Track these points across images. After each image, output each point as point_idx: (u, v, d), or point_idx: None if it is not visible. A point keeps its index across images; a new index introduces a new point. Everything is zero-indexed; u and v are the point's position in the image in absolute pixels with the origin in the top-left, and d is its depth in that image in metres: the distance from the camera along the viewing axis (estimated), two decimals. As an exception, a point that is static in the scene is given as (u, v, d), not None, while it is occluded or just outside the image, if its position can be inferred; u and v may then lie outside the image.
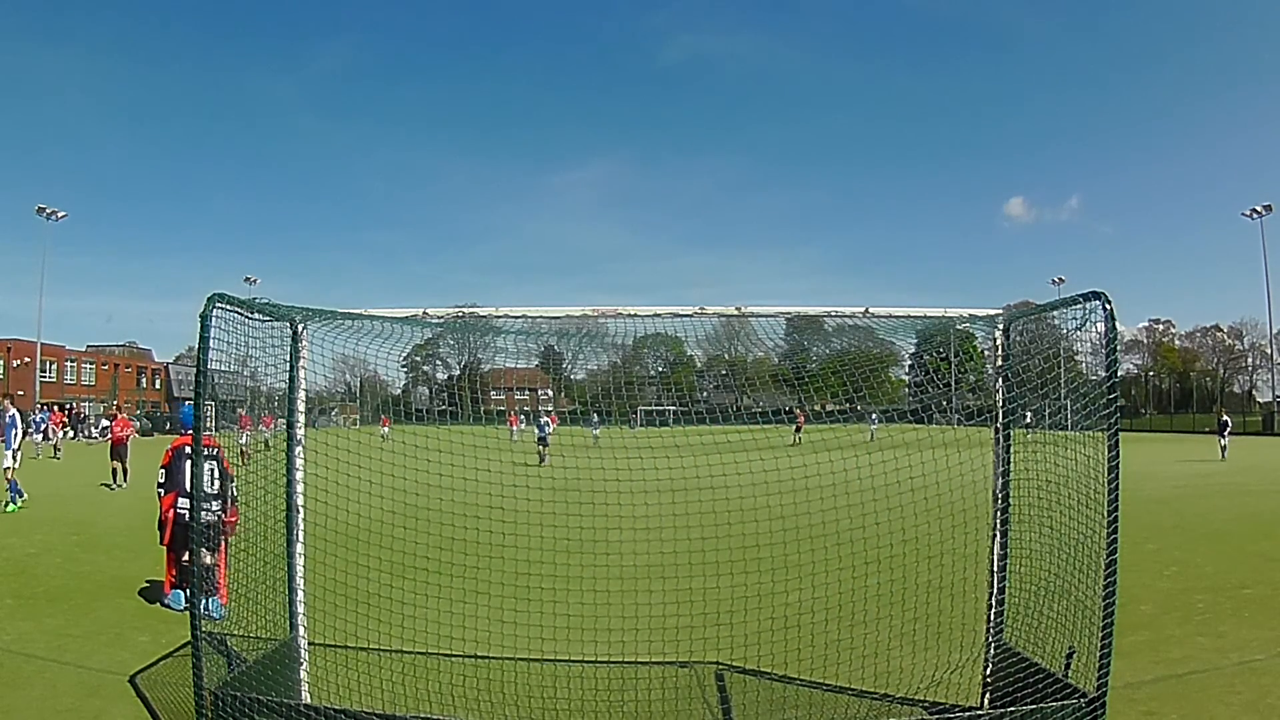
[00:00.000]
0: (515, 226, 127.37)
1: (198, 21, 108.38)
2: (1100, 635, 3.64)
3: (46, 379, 57.71)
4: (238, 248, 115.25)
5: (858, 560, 5.08)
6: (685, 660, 5.06)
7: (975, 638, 4.64)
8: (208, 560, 5.66)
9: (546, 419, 23.54)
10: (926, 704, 4.53)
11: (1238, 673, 4.97)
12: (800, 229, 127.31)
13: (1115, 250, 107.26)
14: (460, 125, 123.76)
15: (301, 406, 4.46)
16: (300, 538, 4.40)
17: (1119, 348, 3.78)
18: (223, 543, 6.25)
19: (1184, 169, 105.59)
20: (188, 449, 6.84)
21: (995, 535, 4.39)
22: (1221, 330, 77.49)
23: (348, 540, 4.92)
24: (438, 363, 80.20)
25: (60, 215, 53.64)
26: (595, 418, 17.67)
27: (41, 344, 55.49)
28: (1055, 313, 4.10)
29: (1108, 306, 3.68)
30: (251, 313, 4.10)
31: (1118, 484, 3.64)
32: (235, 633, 4.25)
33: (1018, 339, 4.53)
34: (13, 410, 12.99)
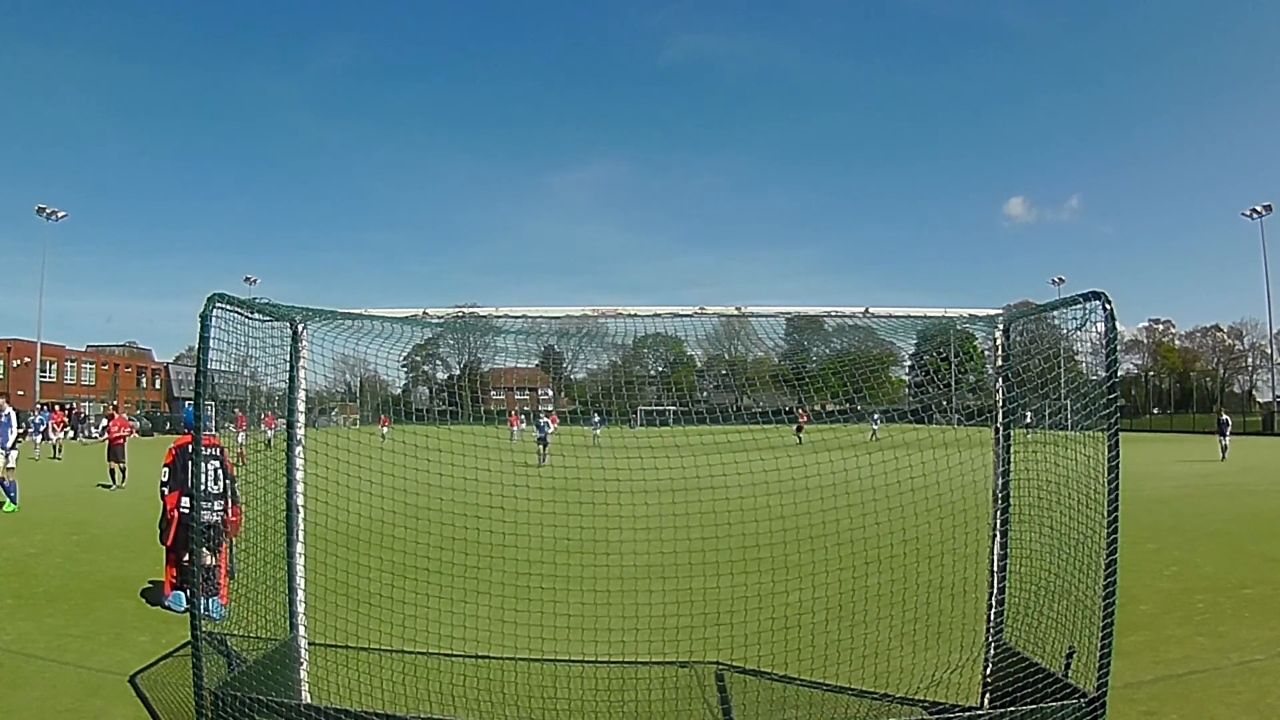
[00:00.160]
0: (515, 226, 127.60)
1: (197, 21, 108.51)
2: (1100, 635, 3.64)
3: (46, 379, 57.71)
4: (238, 248, 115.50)
5: (858, 560, 5.08)
6: (685, 660, 5.06)
7: (975, 638, 4.64)
8: (208, 560, 5.67)
9: (547, 419, 23.56)
10: (926, 704, 4.53)
11: (1238, 673, 4.97)
12: (800, 229, 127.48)
13: (1115, 250, 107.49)
14: (460, 125, 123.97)
15: (301, 406, 4.46)
16: (300, 538, 4.40)
17: (1119, 348, 3.78)
18: (224, 543, 6.26)
19: (1184, 169, 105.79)
20: (192, 448, 6.84)
21: (995, 535, 4.39)
22: (1221, 330, 77.54)
23: (348, 540, 4.92)
24: (438, 363, 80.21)
25: (60, 215, 53.68)
26: (596, 417, 17.68)
27: (41, 344, 55.49)
28: (1055, 313, 4.10)
29: (1108, 306, 3.68)
30: (251, 313, 4.10)
31: (1118, 484, 3.64)
32: (235, 633, 4.25)
33: (1018, 339, 4.53)
34: (9, 410, 12.95)
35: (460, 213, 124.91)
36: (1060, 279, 60.74)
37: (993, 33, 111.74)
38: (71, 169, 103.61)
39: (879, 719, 4.39)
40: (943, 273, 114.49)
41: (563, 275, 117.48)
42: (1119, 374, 3.81)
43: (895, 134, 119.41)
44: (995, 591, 4.39)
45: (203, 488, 5.23)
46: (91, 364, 67.60)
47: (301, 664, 4.44)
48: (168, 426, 53.75)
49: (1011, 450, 4.40)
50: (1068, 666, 3.84)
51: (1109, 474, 3.66)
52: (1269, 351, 68.09)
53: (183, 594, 6.57)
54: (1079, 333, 3.90)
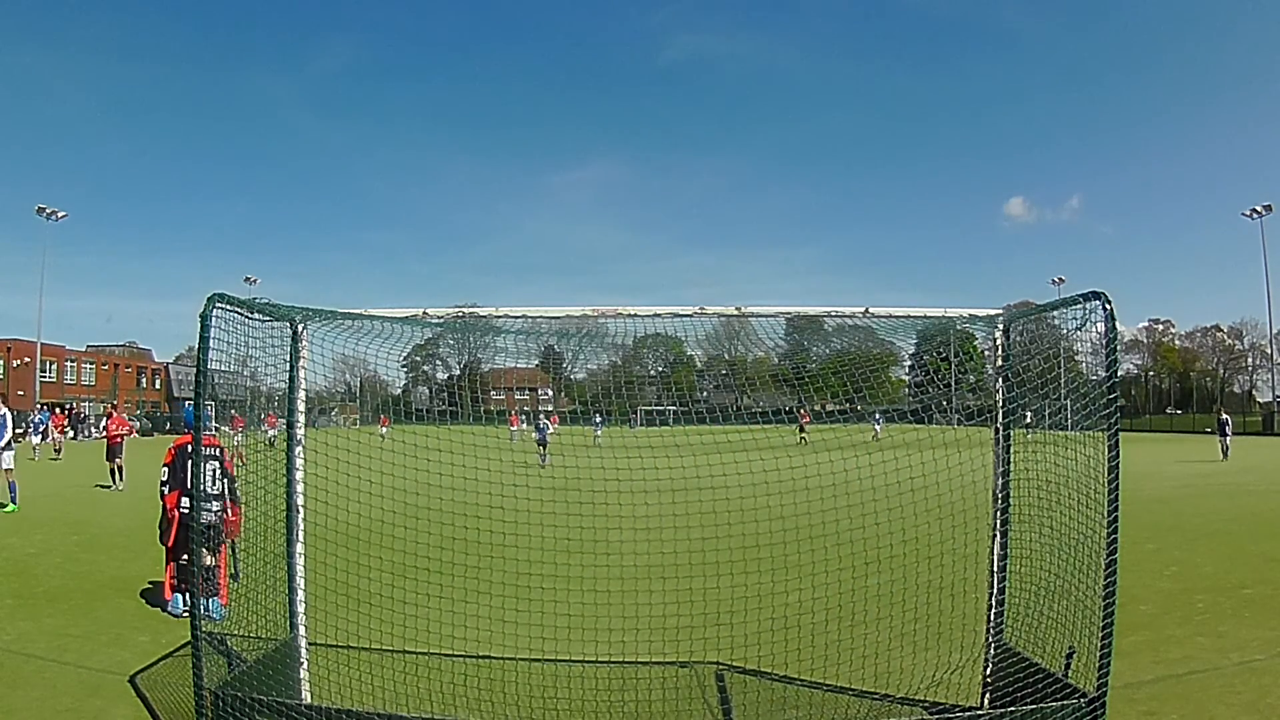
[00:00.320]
0: (515, 226, 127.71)
1: (197, 21, 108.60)
2: (1100, 635, 3.64)
3: (46, 379, 57.71)
4: (238, 248, 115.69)
5: (858, 560, 5.08)
6: (685, 660, 5.06)
7: (975, 638, 4.64)
8: (208, 561, 5.66)
9: (546, 420, 23.53)
10: (926, 704, 4.53)
11: (1238, 673, 4.97)
12: (800, 229, 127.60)
13: (1115, 250, 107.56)
14: (460, 125, 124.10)
15: (301, 406, 4.46)
16: (300, 538, 4.40)
17: (1119, 348, 3.78)
18: (223, 543, 6.26)
19: (1184, 169, 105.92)
20: (190, 448, 6.83)
21: (995, 535, 4.39)
22: (1221, 330, 77.56)
23: (348, 540, 4.92)
24: (438, 363, 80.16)
25: (60, 215, 53.69)
26: (598, 418, 17.66)
27: (41, 344, 55.49)
28: (1055, 313, 4.10)
29: (1108, 306, 3.68)
30: (251, 313, 4.10)
31: (1118, 484, 3.64)
32: (235, 633, 4.25)
33: (1018, 339, 4.53)
34: (3, 410, 12.92)
35: (460, 213, 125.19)
36: (1060, 279, 60.83)
37: (993, 33, 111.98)
38: (71, 169, 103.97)
39: (879, 719, 4.39)
40: (943, 273, 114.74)
41: (563, 275, 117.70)
42: (1119, 374, 3.80)
43: (895, 134, 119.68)
44: (995, 591, 4.39)
45: (201, 488, 5.22)
46: (91, 364, 67.60)
47: (301, 664, 4.44)
48: (168, 426, 53.77)
49: (1011, 450, 4.40)
50: (1068, 666, 3.84)
51: (1109, 474, 3.66)
52: (1269, 351, 68.14)
53: (181, 598, 6.56)
54: (1079, 333, 3.90)
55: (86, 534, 10.65)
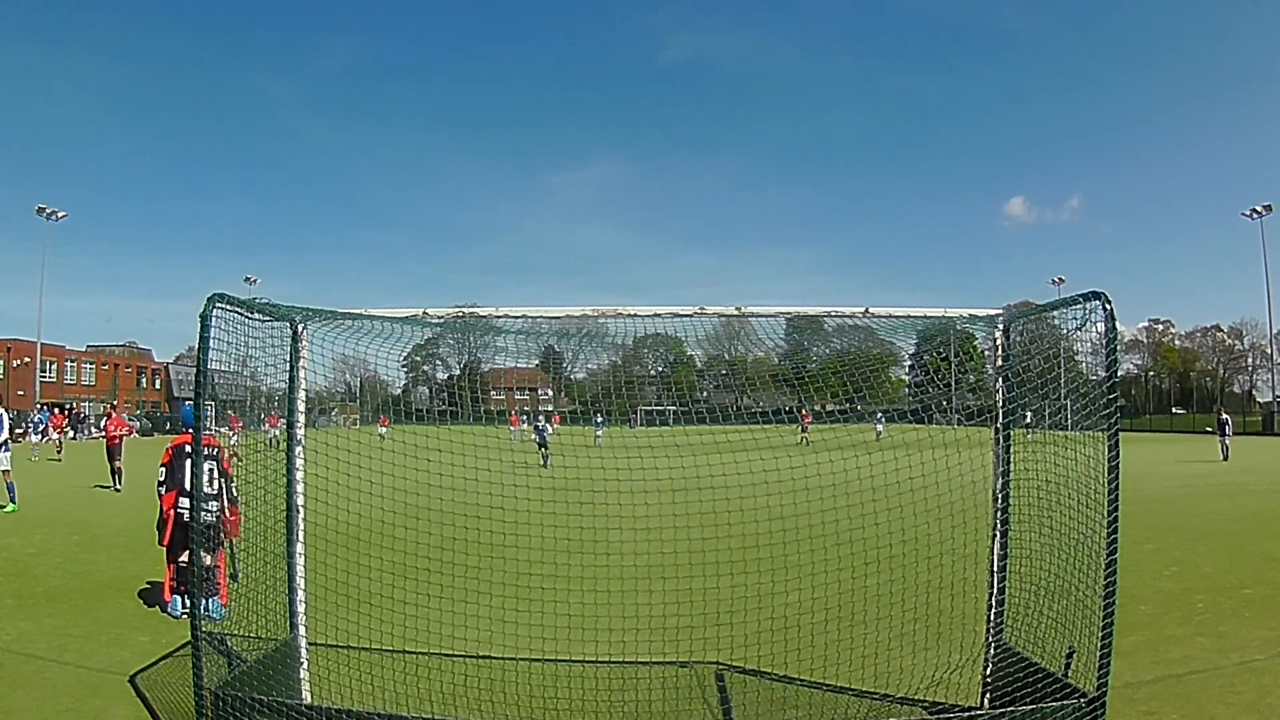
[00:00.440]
0: (515, 226, 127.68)
1: (197, 21, 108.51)
2: (1100, 635, 3.64)
3: (46, 379, 57.70)
4: (238, 248, 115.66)
5: (858, 560, 5.08)
6: (685, 660, 5.06)
7: (975, 638, 4.64)
8: (207, 561, 5.66)
9: (546, 422, 23.51)
10: (926, 704, 4.53)
11: (1238, 673, 4.97)
12: (800, 229, 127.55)
13: (1115, 250, 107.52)
14: (460, 125, 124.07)
15: (301, 406, 4.46)
16: (300, 538, 4.40)
17: (1119, 348, 3.78)
18: (222, 543, 6.25)
19: (1184, 169, 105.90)
20: (188, 447, 6.83)
21: (995, 535, 4.39)
22: (1221, 330, 77.55)
23: (348, 540, 4.92)
24: (438, 363, 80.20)
25: (60, 215, 53.68)
26: (599, 418, 17.64)
27: (41, 344, 55.47)
28: (1055, 313, 4.10)
29: (1108, 306, 3.68)
30: (251, 313, 4.10)
31: (1118, 484, 3.64)
32: (235, 633, 4.25)
33: (1018, 339, 4.53)
34: None
35: (460, 213, 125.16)
36: (1060, 279, 60.82)
37: (993, 33, 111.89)
38: (71, 169, 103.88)
39: (879, 719, 4.39)
40: (943, 273, 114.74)
41: (563, 275, 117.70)
42: (1119, 374, 3.80)
43: (895, 134, 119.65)
44: (995, 591, 4.39)
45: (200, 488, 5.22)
46: (91, 364, 67.59)
47: (301, 664, 4.44)
48: (168, 426, 53.74)
49: (1011, 450, 4.40)
50: (1068, 666, 3.84)
51: (1109, 474, 3.66)
52: (1269, 351, 68.13)
53: (180, 600, 6.56)
54: (1079, 333, 3.90)
55: (86, 534, 10.65)
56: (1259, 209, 54.56)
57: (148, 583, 7.45)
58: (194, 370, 4.02)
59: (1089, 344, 4.00)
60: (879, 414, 13.97)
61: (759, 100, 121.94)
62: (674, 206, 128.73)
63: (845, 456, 5.11)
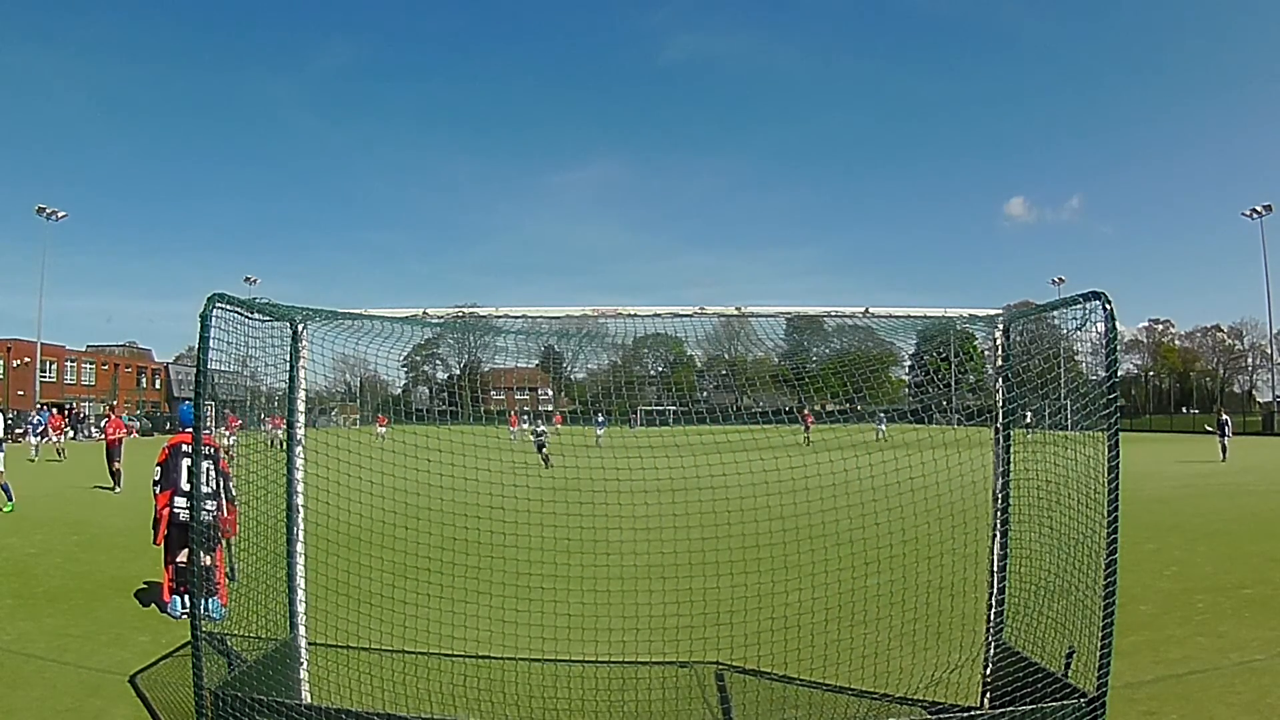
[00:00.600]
0: (515, 226, 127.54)
1: (197, 21, 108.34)
2: (1100, 635, 3.64)
3: (46, 379, 57.71)
4: (238, 248, 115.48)
5: (858, 560, 5.08)
6: (685, 660, 5.06)
7: (975, 638, 4.64)
8: (206, 561, 5.66)
9: (542, 424, 23.50)
10: (926, 704, 4.53)
11: (1238, 673, 4.97)
12: (800, 229, 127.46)
13: (1115, 250, 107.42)
14: (460, 125, 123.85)
15: (301, 406, 4.46)
16: (300, 538, 4.40)
17: (1119, 348, 3.78)
18: (219, 543, 6.25)
19: (1184, 169, 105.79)
20: (184, 447, 6.83)
21: (995, 535, 4.39)
22: (1221, 330, 77.51)
23: (348, 540, 4.92)
24: (438, 363, 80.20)
25: (60, 215, 53.69)
26: (600, 418, 17.63)
27: (41, 344, 55.49)
28: (1055, 313, 4.10)
29: (1108, 306, 3.68)
30: (251, 313, 4.10)
31: (1118, 484, 3.64)
32: (235, 633, 4.25)
33: (1018, 339, 4.53)
34: None
35: (460, 213, 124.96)
36: (1060, 279, 60.79)
37: (993, 33, 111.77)
38: (71, 169, 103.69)
39: (879, 719, 4.40)
40: (943, 273, 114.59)
41: (563, 275, 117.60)
42: (1119, 374, 3.80)
43: (895, 134, 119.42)
44: (995, 591, 4.39)
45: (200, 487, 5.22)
46: (91, 364, 67.59)
47: (301, 664, 4.44)
48: (168, 426, 53.76)
49: (1011, 450, 4.40)
50: (1068, 666, 3.84)
51: (1109, 474, 3.66)
52: (1269, 351, 68.12)
53: (179, 600, 6.56)
54: (1079, 333, 3.90)
55: (86, 534, 10.65)
56: (1259, 209, 54.59)
57: (144, 582, 7.46)
58: (194, 370, 4.02)
59: (1089, 344, 4.00)
60: (880, 415, 13.98)
61: (759, 100, 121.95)
62: (674, 206, 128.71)
63: (845, 456, 5.11)
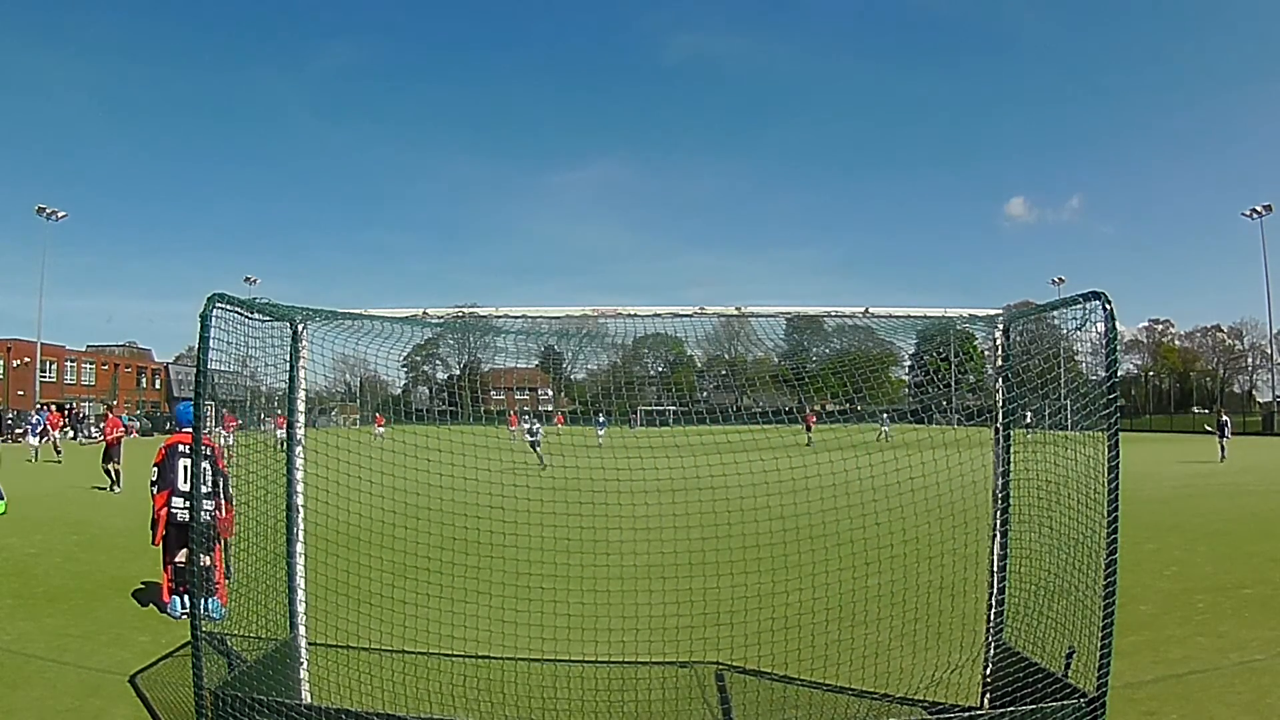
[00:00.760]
0: (515, 226, 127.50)
1: (198, 21, 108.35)
2: (1100, 635, 3.64)
3: (46, 379, 57.70)
4: (238, 248, 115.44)
5: (858, 560, 5.08)
6: (685, 660, 5.06)
7: (975, 638, 4.64)
8: (205, 561, 5.66)
9: (536, 423, 23.49)
10: (926, 704, 4.53)
11: (1238, 673, 4.97)
12: (800, 229, 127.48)
13: (1115, 250, 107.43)
14: (460, 125, 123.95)
15: (301, 406, 4.46)
16: (300, 538, 4.40)
17: (1119, 348, 3.78)
18: (218, 543, 6.24)
19: (1184, 169, 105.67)
20: (181, 447, 6.82)
21: (995, 535, 4.39)
22: (1221, 330, 77.54)
23: (348, 540, 4.92)
24: (438, 363, 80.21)
25: (60, 215, 53.64)
26: (601, 418, 17.62)
27: (41, 344, 55.46)
28: (1055, 313, 4.10)
29: (1108, 306, 3.68)
30: (251, 313, 4.10)
31: (1118, 484, 3.64)
32: (235, 633, 4.25)
33: (1018, 339, 4.53)
34: None
35: (460, 213, 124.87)
36: (1060, 279, 60.77)
37: (993, 33, 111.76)
38: (71, 169, 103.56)
39: (879, 719, 4.40)
40: (943, 273, 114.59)
41: (563, 275, 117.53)
42: (1119, 374, 3.80)
43: (896, 135, 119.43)
44: (995, 591, 4.39)
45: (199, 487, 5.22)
46: (91, 364, 67.60)
47: (301, 664, 4.44)
48: (168, 426, 53.72)
49: (1011, 450, 4.40)
50: (1068, 666, 3.84)
51: (1109, 474, 3.66)
52: (1269, 351, 68.13)
53: (179, 601, 6.56)
54: (1079, 333, 3.90)
55: (86, 534, 10.65)
56: (1259, 209, 54.58)
57: (143, 582, 7.45)
58: (194, 370, 4.02)
59: (1089, 344, 4.00)
60: (884, 415, 13.98)
61: (760, 100, 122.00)
62: (675, 206, 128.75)
63: (845, 457, 5.11)
